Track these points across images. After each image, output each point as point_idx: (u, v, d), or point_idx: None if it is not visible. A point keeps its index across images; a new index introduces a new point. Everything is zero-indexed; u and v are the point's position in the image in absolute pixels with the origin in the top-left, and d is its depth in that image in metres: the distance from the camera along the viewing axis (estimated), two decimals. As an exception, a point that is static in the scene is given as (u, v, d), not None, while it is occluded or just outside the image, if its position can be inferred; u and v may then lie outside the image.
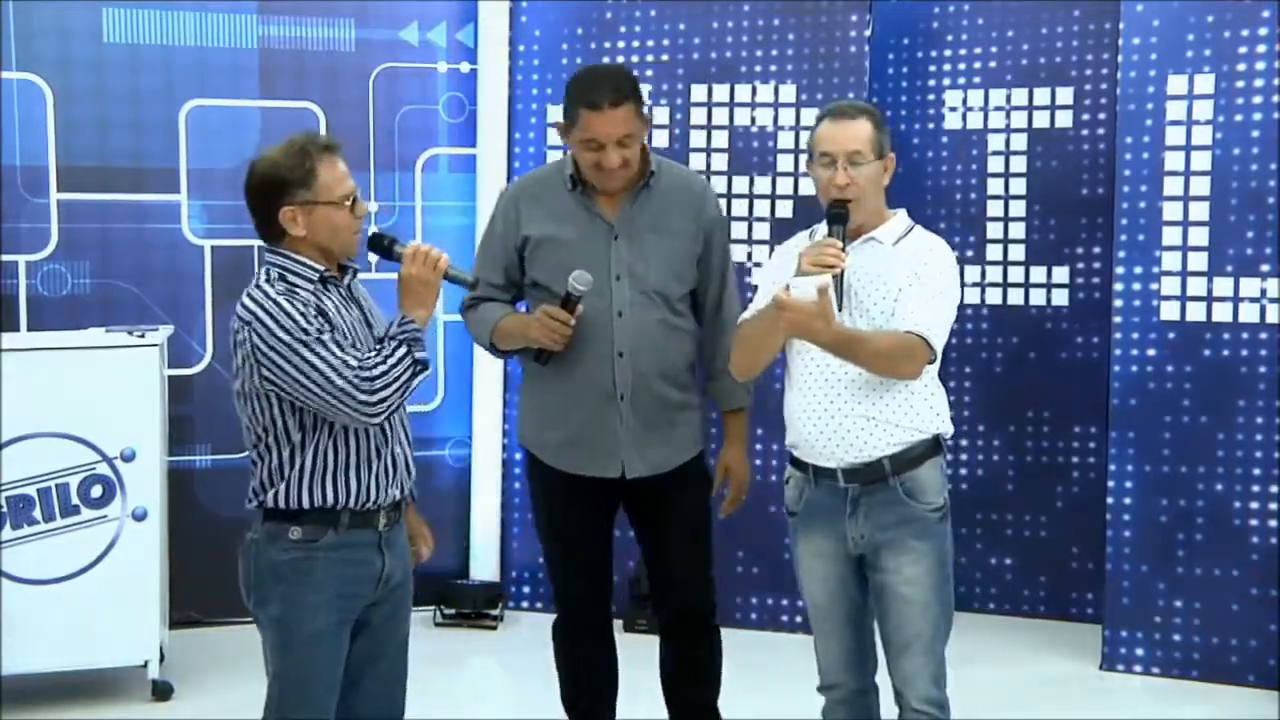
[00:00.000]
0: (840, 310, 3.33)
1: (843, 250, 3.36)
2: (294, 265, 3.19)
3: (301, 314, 3.09)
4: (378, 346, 3.16)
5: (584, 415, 3.81)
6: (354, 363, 3.08)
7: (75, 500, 4.90)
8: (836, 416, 3.44)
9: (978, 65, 6.16)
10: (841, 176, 3.46)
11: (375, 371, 3.09)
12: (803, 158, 5.86)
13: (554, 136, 6.12)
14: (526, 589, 6.21)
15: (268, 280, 3.18)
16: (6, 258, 5.67)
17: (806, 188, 5.81)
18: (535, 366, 3.85)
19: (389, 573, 3.27)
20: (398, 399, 3.12)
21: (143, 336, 5.01)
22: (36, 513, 4.87)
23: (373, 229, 3.20)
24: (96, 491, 4.92)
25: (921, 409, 3.48)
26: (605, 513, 3.95)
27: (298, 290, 3.16)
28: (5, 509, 4.84)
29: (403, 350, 3.13)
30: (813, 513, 3.53)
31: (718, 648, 4.03)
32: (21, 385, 4.83)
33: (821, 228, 3.54)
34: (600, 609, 4.02)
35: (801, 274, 3.31)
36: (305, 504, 3.16)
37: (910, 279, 3.46)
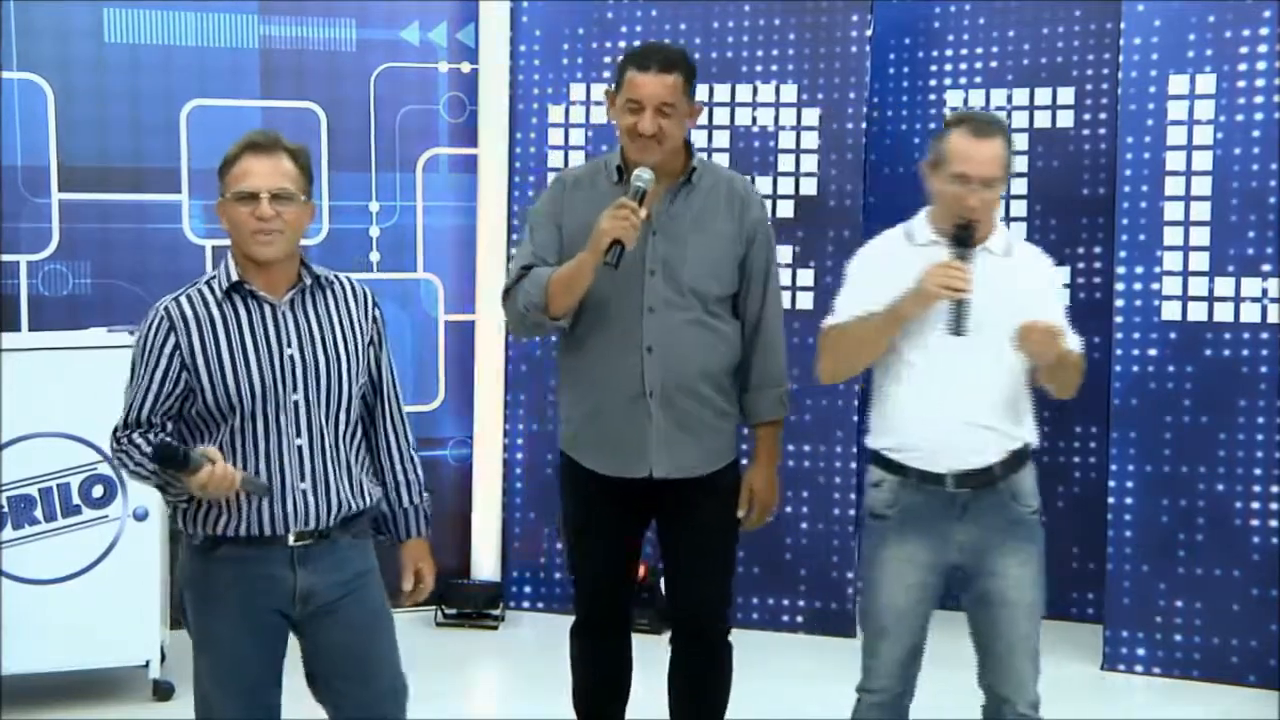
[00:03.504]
0: (961, 332, 3.33)
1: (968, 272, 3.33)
2: (220, 271, 3.18)
3: (145, 335, 3.12)
4: (150, 441, 3.07)
5: (613, 413, 3.74)
6: (122, 419, 3.12)
7: (76, 500, 4.90)
8: (953, 424, 3.43)
9: (979, 65, 6.16)
10: (974, 199, 3.41)
11: (124, 440, 3.11)
12: (804, 157, 5.88)
13: (555, 136, 6.12)
14: (527, 589, 6.21)
15: (193, 283, 3.18)
16: (8, 258, 5.67)
17: (807, 187, 5.82)
18: (571, 378, 3.81)
19: (306, 589, 3.16)
20: (124, 472, 3.17)
21: (144, 336, 5.01)
22: (38, 512, 4.87)
23: (164, 440, 3.06)
24: (98, 491, 4.92)
25: (1025, 418, 3.53)
26: (635, 516, 3.87)
27: (193, 300, 3.14)
28: (6, 509, 4.84)
29: (151, 477, 3.09)
30: (910, 518, 3.49)
31: (729, 661, 3.97)
32: (23, 385, 4.83)
33: (920, 231, 3.53)
34: (620, 613, 3.96)
35: (923, 293, 3.32)
36: (185, 530, 3.18)
37: (1040, 295, 3.51)
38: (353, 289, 3.27)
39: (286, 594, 3.15)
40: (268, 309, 3.15)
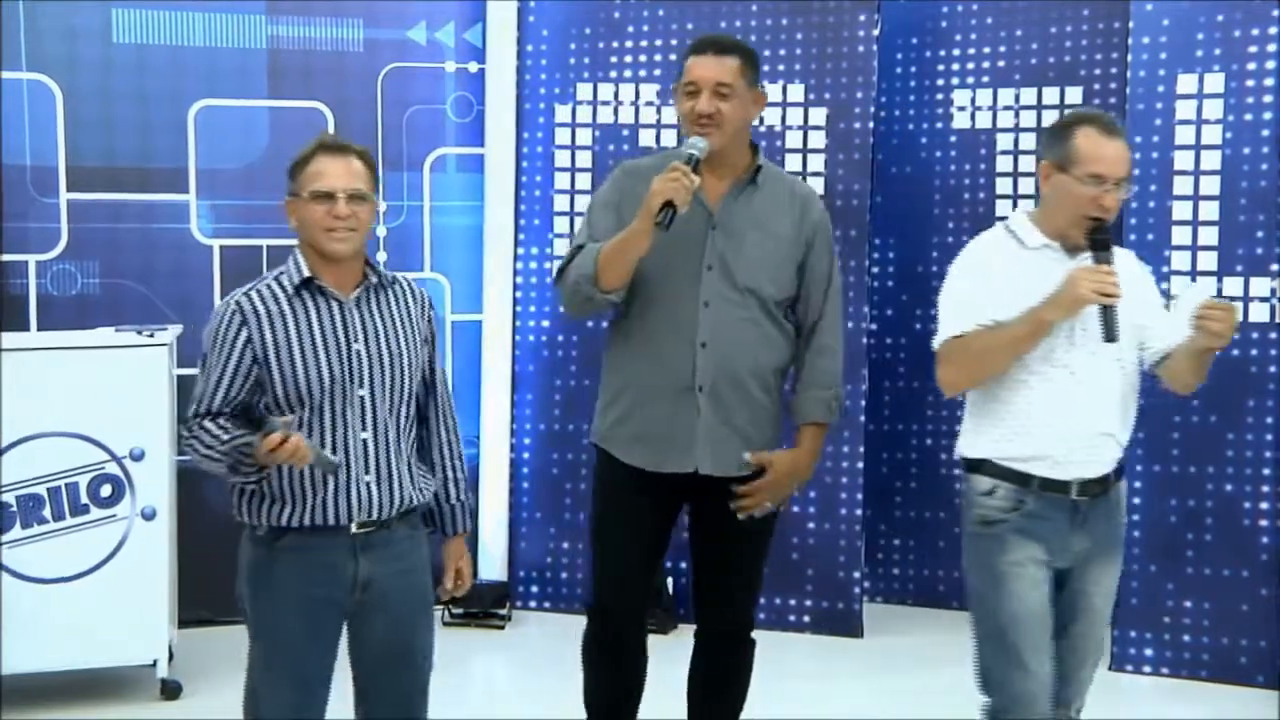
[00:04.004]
0: (1115, 338, 3.28)
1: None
2: (286, 268, 3.27)
3: (217, 328, 3.22)
4: (221, 425, 3.18)
5: (660, 406, 3.69)
6: (193, 409, 3.21)
7: (85, 499, 4.91)
8: (1085, 433, 3.39)
9: (986, 65, 6.15)
10: (1110, 199, 3.35)
11: (195, 427, 3.20)
12: (812, 156, 5.88)
13: (562, 136, 6.13)
14: (534, 589, 6.21)
15: (262, 278, 3.29)
16: (16, 257, 5.68)
17: (815, 187, 5.80)
18: (617, 367, 3.79)
19: (366, 578, 3.25)
20: (192, 458, 3.25)
21: (152, 336, 5.01)
22: (46, 512, 4.87)
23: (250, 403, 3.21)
24: (106, 491, 4.93)
25: (1131, 426, 3.51)
26: (665, 513, 3.81)
27: (263, 295, 3.24)
28: (15, 508, 4.85)
29: (221, 457, 3.17)
30: (1031, 525, 3.40)
31: (751, 660, 3.93)
32: (31, 385, 4.83)
33: (1028, 234, 3.43)
34: (639, 610, 3.89)
35: (1075, 299, 3.26)
36: (248, 521, 3.28)
37: (1144, 291, 3.49)
38: (411, 289, 3.39)
39: (347, 582, 3.24)
40: (336, 305, 3.25)
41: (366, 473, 3.23)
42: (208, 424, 3.19)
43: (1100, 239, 3.33)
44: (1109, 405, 3.43)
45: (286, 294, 3.23)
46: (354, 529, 3.23)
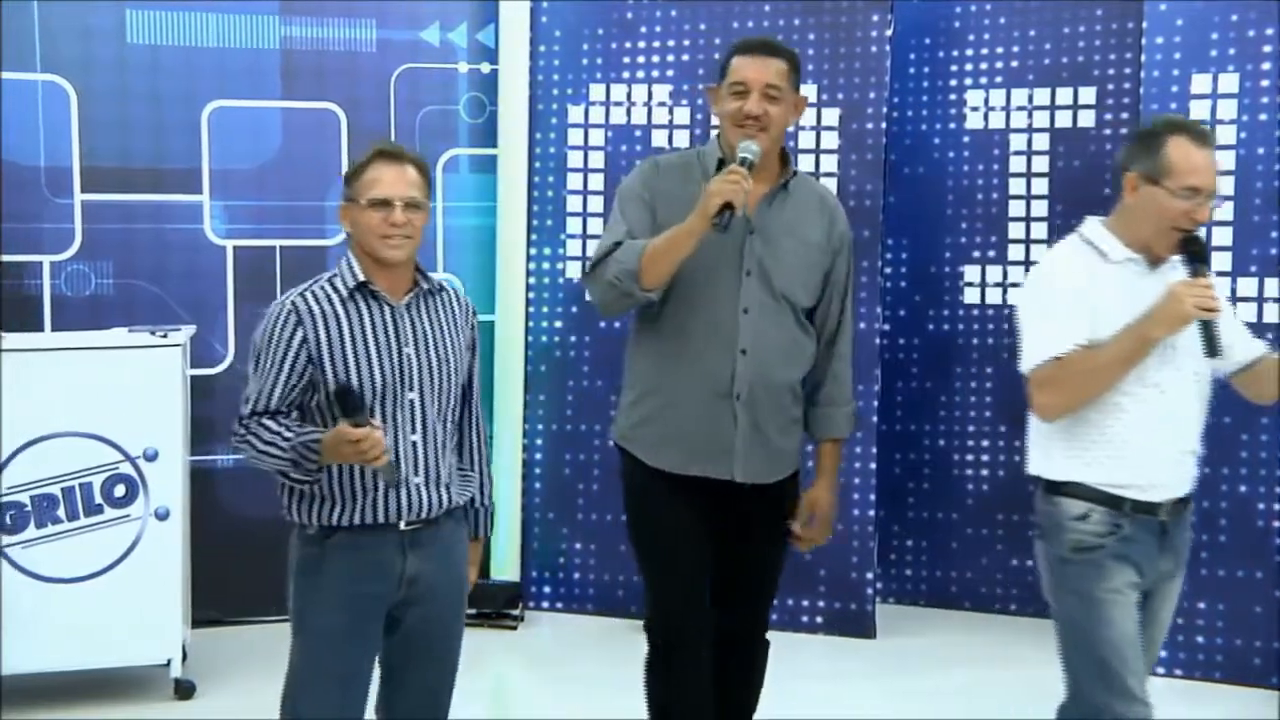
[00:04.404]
0: (1217, 353, 3.22)
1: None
2: (340, 272, 3.32)
3: (272, 327, 3.25)
4: (281, 423, 3.22)
5: (697, 412, 3.63)
6: (248, 407, 3.25)
7: (98, 499, 4.92)
8: (1174, 451, 3.34)
9: (999, 65, 6.15)
10: (1204, 213, 3.26)
11: (252, 424, 3.23)
12: (825, 157, 5.87)
13: (575, 136, 6.13)
14: (547, 589, 6.22)
15: (316, 280, 3.33)
16: (31, 258, 5.70)
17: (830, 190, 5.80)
18: (647, 368, 3.71)
19: (413, 574, 3.30)
20: (247, 456, 3.27)
21: (165, 336, 5.03)
22: (60, 512, 4.89)
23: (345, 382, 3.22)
24: (119, 491, 4.94)
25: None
26: (707, 519, 3.69)
27: (317, 296, 3.27)
28: (30, 508, 4.86)
29: (283, 453, 3.18)
30: (1126, 549, 3.32)
31: (765, 661, 3.90)
32: (45, 385, 4.85)
33: (1111, 246, 3.33)
34: (702, 626, 3.71)
35: (1178, 316, 3.17)
36: (298, 520, 3.31)
37: (1226, 306, 3.37)
38: (457, 297, 3.45)
39: (394, 577, 3.29)
40: (388, 309, 3.29)
41: (416, 474, 3.28)
42: (266, 421, 3.22)
43: (1196, 251, 3.25)
44: (1192, 422, 3.38)
45: (340, 297, 3.27)
46: (403, 525, 3.28)
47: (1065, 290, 3.32)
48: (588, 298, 3.74)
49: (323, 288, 3.29)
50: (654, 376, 3.71)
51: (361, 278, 3.28)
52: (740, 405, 3.62)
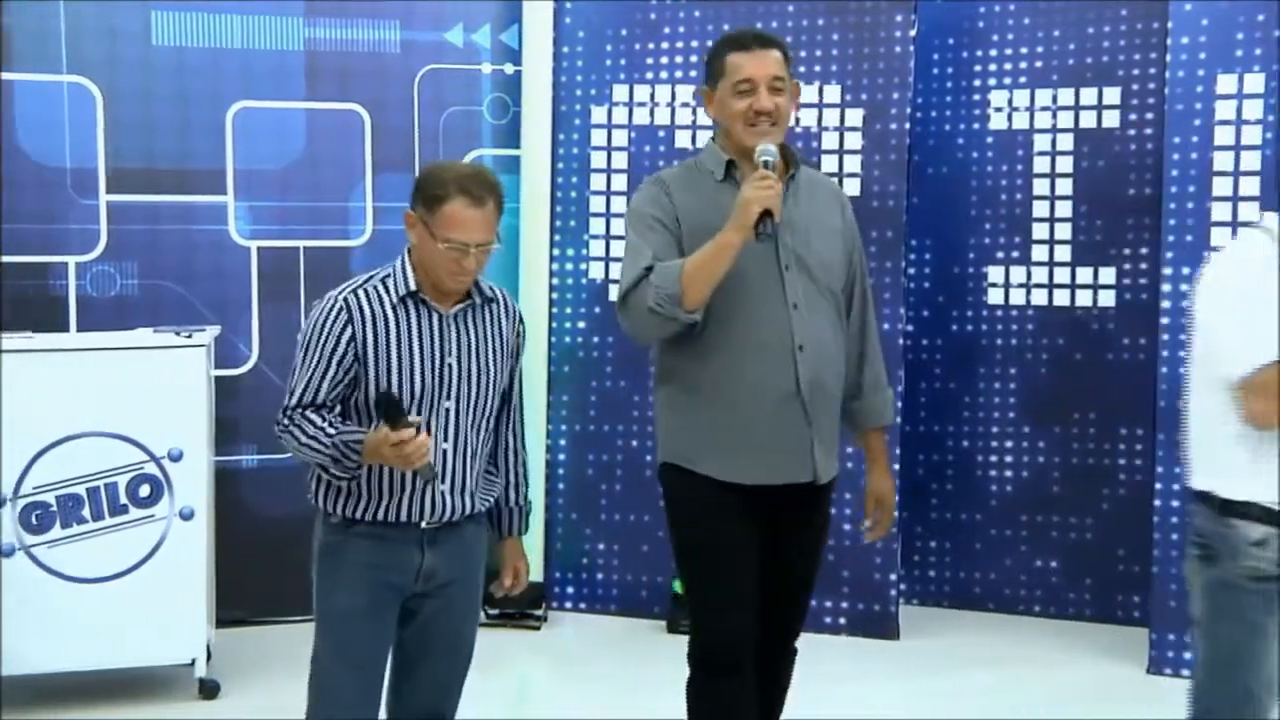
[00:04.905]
0: None
1: None
2: (395, 274, 3.31)
3: (322, 321, 3.26)
4: (325, 418, 3.24)
5: (767, 417, 3.49)
6: (294, 398, 3.26)
7: (123, 499, 4.93)
8: None
9: (1023, 65, 6.13)
10: None
11: (296, 416, 3.25)
12: (848, 158, 5.87)
13: (598, 137, 6.13)
14: (570, 589, 6.22)
15: (369, 278, 3.32)
16: (56, 259, 5.72)
17: (851, 188, 5.80)
18: (699, 385, 3.54)
19: (430, 569, 3.34)
20: (288, 447, 3.29)
21: (190, 337, 5.04)
22: (85, 512, 4.91)
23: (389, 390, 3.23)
24: (144, 491, 4.96)
25: None
26: (762, 532, 3.57)
27: (369, 295, 3.28)
28: (55, 508, 4.88)
29: (324, 450, 3.21)
30: None
31: (793, 665, 3.82)
32: (70, 385, 4.87)
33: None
34: (749, 645, 3.59)
35: None
36: (323, 508, 3.35)
37: None
38: (507, 306, 3.45)
39: (412, 571, 3.33)
40: (436, 317, 3.31)
41: (443, 482, 3.31)
42: (310, 415, 3.25)
43: None
44: None
45: (391, 300, 3.28)
46: (424, 525, 3.31)
47: (1260, 289, 3.05)
48: (623, 328, 3.60)
49: (375, 288, 3.29)
50: (710, 390, 3.54)
51: (413, 287, 3.28)
52: (807, 403, 3.53)
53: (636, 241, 3.54)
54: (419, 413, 3.26)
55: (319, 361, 3.25)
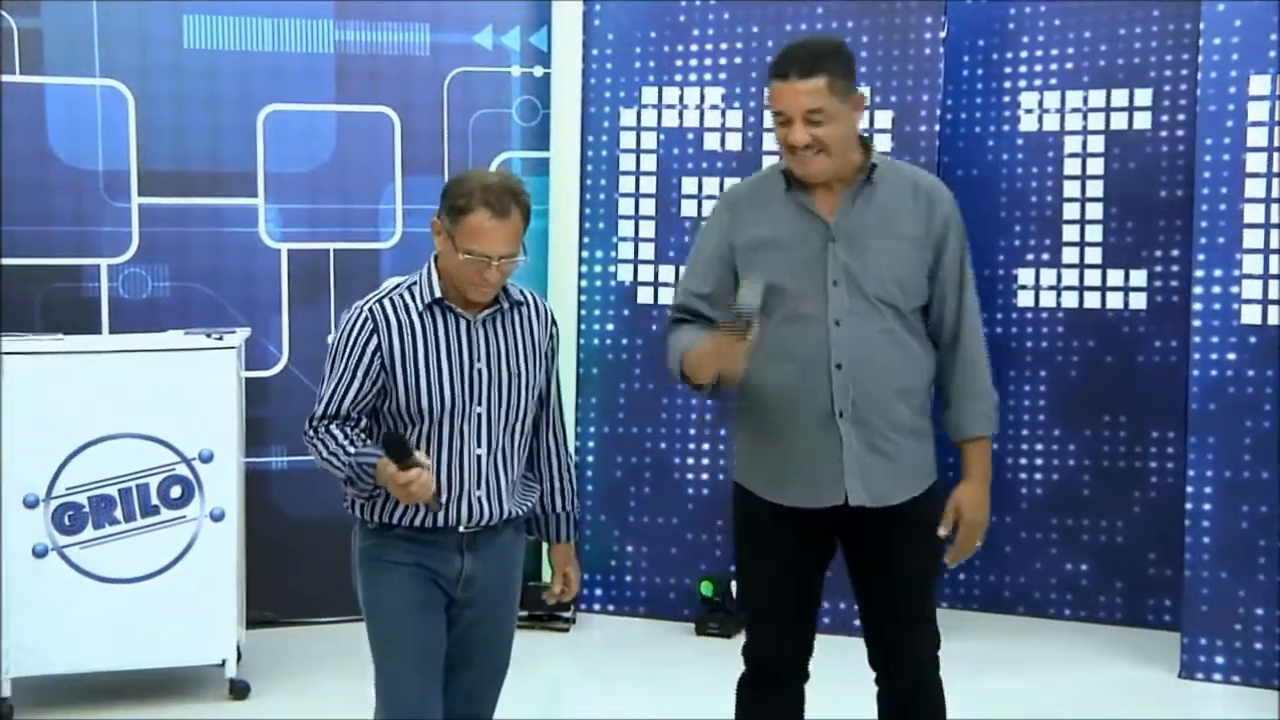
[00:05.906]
0: None
1: None
2: (421, 281, 3.31)
3: (348, 333, 3.27)
4: (347, 434, 3.25)
5: (800, 438, 3.40)
6: (320, 410, 3.28)
7: (155, 500, 4.96)
8: None
9: (1054, 66, 6.11)
10: None
11: (321, 429, 3.28)
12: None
13: (627, 140, 6.14)
14: (599, 591, 6.22)
15: (395, 286, 3.33)
16: (89, 261, 5.76)
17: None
18: (750, 403, 3.48)
19: (470, 574, 3.34)
20: (313, 456, 3.32)
21: (221, 339, 5.07)
22: (118, 513, 4.93)
23: (394, 431, 3.25)
24: (175, 492, 4.98)
25: None
26: (816, 549, 3.52)
27: (395, 304, 3.28)
28: (88, 508, 4.91)
29: (342, 468, 3.24)
30: None
31: (940, 699, 3.64)
32: (102, 387, 4.90)
33: None
34: (798, 660, 3.59)
35: None
36: (359, 515, 3.35)
37: None
38: (538, 308, 3.43)
39: (452, 576, 3.34)
40: (463, 323, 3.30)
41: (478, 487, 3.31)
42: (334, 429, 3.26)
43: None
44: None
45: (418, 308, 3.28)
46: (461, 530, 3.32)
47: None
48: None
49: (401, 295, 3.29)
50: (756, 410, 3.48)
51: (439, 294, 3.28)
52: (846, 424, 3.39)
53: (690, 260, 3.60)
54: (451, 419, 3.26)
55: (344, 373, 3.27)
